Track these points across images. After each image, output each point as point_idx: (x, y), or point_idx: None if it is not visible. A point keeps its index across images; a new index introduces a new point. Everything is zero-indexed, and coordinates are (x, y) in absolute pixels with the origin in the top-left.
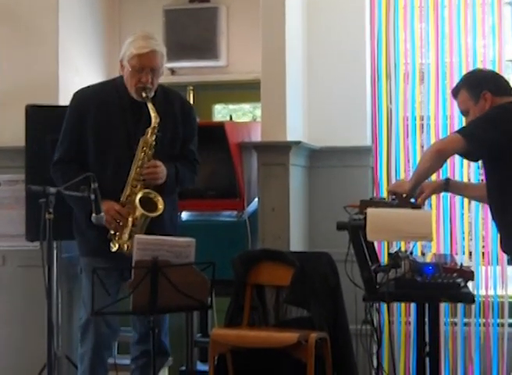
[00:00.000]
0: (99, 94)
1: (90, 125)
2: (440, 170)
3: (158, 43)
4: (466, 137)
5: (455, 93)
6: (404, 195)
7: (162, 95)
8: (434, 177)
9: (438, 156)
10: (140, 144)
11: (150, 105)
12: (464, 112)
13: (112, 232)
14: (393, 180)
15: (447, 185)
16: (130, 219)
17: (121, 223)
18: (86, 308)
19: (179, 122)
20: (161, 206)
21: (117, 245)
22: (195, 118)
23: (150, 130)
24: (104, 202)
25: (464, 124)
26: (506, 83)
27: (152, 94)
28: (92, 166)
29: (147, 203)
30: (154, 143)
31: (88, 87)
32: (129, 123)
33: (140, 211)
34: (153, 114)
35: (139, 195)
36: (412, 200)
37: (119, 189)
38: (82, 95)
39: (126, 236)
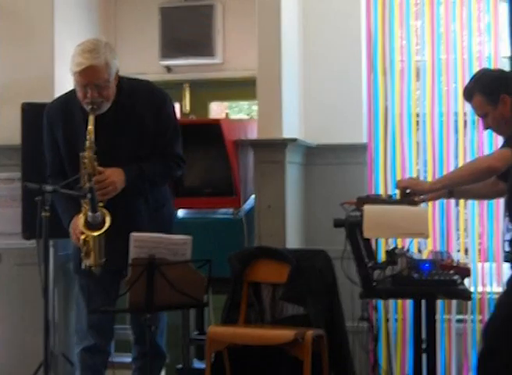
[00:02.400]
0: (64, 106)
1: (60, 138)
2: (436, 171)
3: (99, 55)
4: None
5: (468, 97)
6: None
7: (127, 92)
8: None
9: (488, 172)
10: (80, 160)
11: (90, 118)
12: (481, 115)
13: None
14: (389, 177)
15: (451, 193)
16: (82, 237)
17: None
18: (77, 335)
19: (147, 117)
20: (108, 220)
21: (84, 264)
22: (170, 108)
23: (87, 145)
24: (75, 217)
25: (481, 125)
26: None
27: (106, 105)
28: (70, 176)
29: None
30: (94, 156)
31: (59, 96)
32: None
33: (85, 232)
34: (89, 127)
35: (82, 218)
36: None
37: None
38: (50, 109)
39: (85, 256)
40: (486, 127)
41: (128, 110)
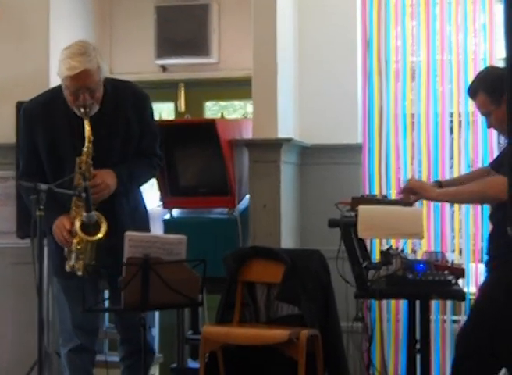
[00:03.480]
0: (46, 106)
1: (40, 140)
2: (431, 172)
3: (91, 58)
4: None
5: (472, 94)
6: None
7: (112, 94)
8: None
9: (491, 201)
10: (76, 165)
11: (86, 123)
12: (485, 114)
13: (66, 250)
14: (384, 178)
15: (440, 187)
16: (75, 241)
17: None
18: (62, 337)
19: (132, 118)
20: (104, 227)
21: (69, 266)
22: (151, 109)
23: (85, 150)
24: (57, 218)
25: (485, 124)
26: None
27: (95, 108)
28: (49, 178)
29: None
30: (91, 162)
31: (37, 97)
32: (77, 137)
33: (81, 236)
34: (87, 133)
35: (78, 221)
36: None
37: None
38: (28, 110)
39: (73, 258)
40: (489, 126)
41: (114, 111)
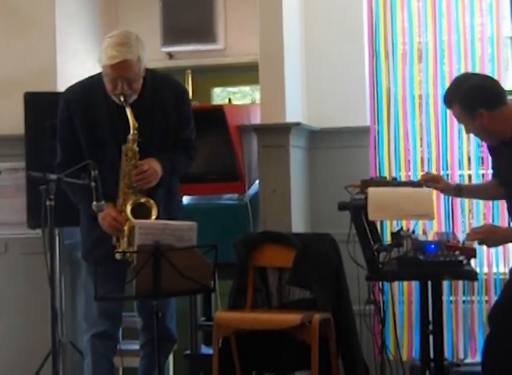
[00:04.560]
0: (86, 93)
1: (80, 127)
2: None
3: (132, 49)
4: None
5: (447, 104)
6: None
7: (151, 85)
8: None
9: None
10: (123, 153)
11: (128, 111)
12: (461, 123)
13: (115, 239)
14: (393, 160)
15: (460, 191)
16: (126, 227)
17: (119, 231)
18: (86, 322)
19: (170, 110)
20: (154, 211)
21: (120, 252)
22: (189, 103)
23: (131, 138)
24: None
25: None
26: (497, 90)
27: (133, 97)
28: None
29: (140, 208)
30: (137, 149)
31: (76, 84)
32: (117, 123)
33: (132, 221)
34: (131, 120)
35: (129, 207)
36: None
37: (116, 189)
38: (70, 95)
39: (125, 244)
40: (468, 132)
41: (153, 102)
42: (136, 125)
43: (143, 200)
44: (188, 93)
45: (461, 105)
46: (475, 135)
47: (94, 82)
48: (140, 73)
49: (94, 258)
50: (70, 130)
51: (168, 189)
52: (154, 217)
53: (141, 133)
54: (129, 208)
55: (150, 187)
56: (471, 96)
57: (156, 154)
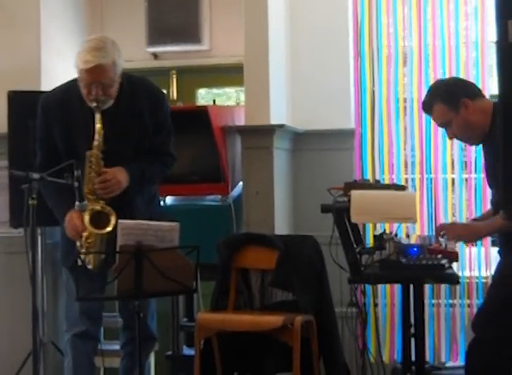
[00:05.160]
0: (63, 100)
1: (58, 132)
2: (423, 156)
3: (107, 54)
4: None
5: (427, 109)
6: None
7: (128, 90)
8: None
9: None
10: (87, 159)
11: (97, 117)
12: (444, 125)
13: (78, 244)
14: (377, 163)
15: None
16: (85, 234)
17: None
18: (67, 322)
19: (147, 115)
20: (113, 220)
21: (80, 259)
22: (166, 107)
23: (95, 144)
24: (68, 212)
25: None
26: (474, 84)
27: (109, 103)
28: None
29: (102, 217)
30: (101, 155)
31: (53, 91)
32: (92, 129)
33: (90, 230)
34: (97, 126)
35: (87, 215)
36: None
37: None
38: (47, 101)
39: (83, 251)
40: (451, 137)
41: (129, 108)
42: (102, 132)
43: (98, 207)
44: (165, 97)
45: (443, 101)
46: (457, 137)
47: (70, 88)
48: (116, 78)
49: (70, 263)
50: (48, 135)
51: (146, 194)
52: (112, 223)
53: (116, 138)
54: (87, 218)
55: (111, 196)
56: (452, 89)
57: (129, 159)
